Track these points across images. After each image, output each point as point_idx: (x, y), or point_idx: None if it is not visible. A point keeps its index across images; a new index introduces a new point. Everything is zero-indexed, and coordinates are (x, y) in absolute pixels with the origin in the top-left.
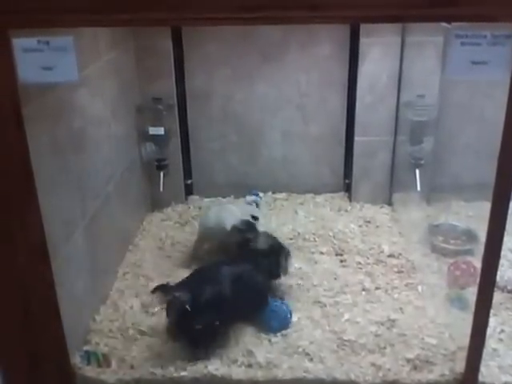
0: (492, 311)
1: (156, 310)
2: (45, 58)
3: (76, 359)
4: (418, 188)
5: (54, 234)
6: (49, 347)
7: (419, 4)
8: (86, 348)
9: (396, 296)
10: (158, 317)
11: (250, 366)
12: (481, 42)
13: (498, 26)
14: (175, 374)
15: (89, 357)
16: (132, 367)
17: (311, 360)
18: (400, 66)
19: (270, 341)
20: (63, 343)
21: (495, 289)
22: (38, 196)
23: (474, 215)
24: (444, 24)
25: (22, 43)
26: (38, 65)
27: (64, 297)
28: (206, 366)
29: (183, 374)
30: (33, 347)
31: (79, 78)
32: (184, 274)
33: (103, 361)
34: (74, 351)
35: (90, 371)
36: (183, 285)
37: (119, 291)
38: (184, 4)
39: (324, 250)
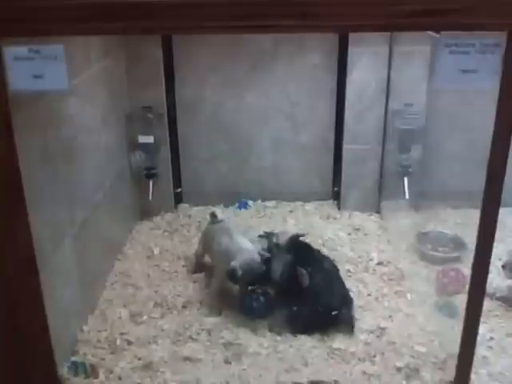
0: (481, 319)
1: (144, 318)
2: (35, 67)
3: (63, 370)
4: (407, 196)
5: (42, 244)
6: (36, 358)
7: (408, 13)
8: (73, 359)
9: (386, 304)
10: (147, 326)
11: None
12: (470, 51)
13: (487, 34)
14: None
15: (76, 367)
16: (120, 378)
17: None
18: (388, 74)
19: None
20: (50, 354)
21: None
22: (26, 206)
23: (462, 222)
24: (431, 33)
25: (12, 51)
26: (28, 73)
27: (51, 307)
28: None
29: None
30: (20, 358)
31: (70, 86)
32: (173, 283)
33: (91, 371)
34: (61, 362)
35: (77, 382)
36: None
37: (107, 301)
38: (174, 13)
39: None
